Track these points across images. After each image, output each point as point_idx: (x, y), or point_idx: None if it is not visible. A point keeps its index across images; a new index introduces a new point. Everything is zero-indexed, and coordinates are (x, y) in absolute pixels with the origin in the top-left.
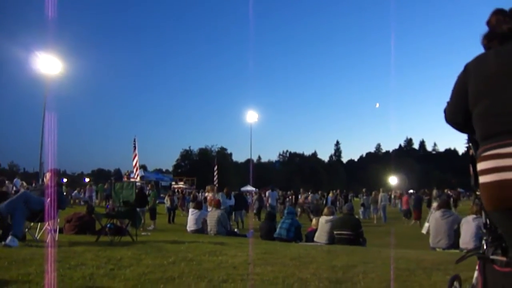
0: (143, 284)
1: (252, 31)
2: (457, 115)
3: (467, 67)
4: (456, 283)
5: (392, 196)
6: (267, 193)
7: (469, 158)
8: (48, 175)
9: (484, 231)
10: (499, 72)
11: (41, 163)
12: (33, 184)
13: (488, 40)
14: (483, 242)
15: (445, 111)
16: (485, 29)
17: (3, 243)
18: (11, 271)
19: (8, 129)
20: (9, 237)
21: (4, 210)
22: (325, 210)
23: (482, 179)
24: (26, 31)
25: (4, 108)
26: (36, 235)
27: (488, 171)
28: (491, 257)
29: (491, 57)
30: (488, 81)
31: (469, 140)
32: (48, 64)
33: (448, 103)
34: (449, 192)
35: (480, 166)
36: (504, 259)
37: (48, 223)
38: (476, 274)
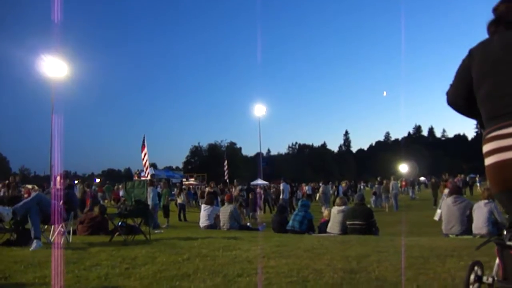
0: (158, 282)
1: (259, 23)
2: (458, 98)
3: (471, 52)
4: (477, 269)
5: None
6: (280, 186)
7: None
8: (58, 178)
9: (507, 216)
10: (503, 55)
11: (51, 166)
12: (45, 187)
13: (495, 26)
14: (502, 228)
15: (447, 93)
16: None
17: (30, 249)
18: (27, 274)
19: (18, 133)
20: (34, 242)
21: (20, 211)
22: (337, 200)
23: (486, 161)
24: (32, 34)
25: (14, 112)
26: (50, 238)
27: (490, 152)
28: (508, 243)
29: (495, 42)
30: (491, 64)
31: (480, 125)
32: (54, 66)
33: (450, 85)
34: (459, 178)
35: (484, 148)
36: None
37: (62, 225)
38: (498, 260)
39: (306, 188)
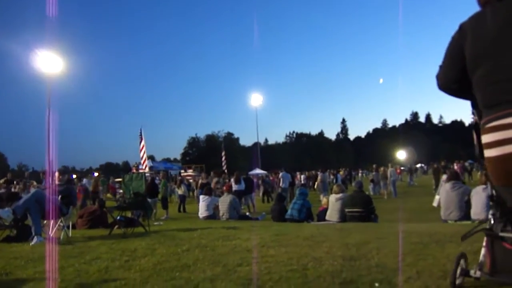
0: (158, 273)
1: (255, 13)
2: (450, 82)
3: (462, 27)
4: (462, 262)
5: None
6: (280, 175)
7: (474, 126)
8: (57, 174)
9: (491, 203)
10: (499, 31)
11: (49, 162)
12: (43, 183)
13: None
14: (490, 216)
15: (437, 77)
16: None
17: (30, 244)
18: (27, 269)
19: (15, 129)
20: (34, 238)
21: (19, 209)
22: (335, 187)
23: (487, 153)
24: (27, 29)
25: (10, 109)
26: (49, 233)
27: (492, 144)
28: (500, 234)
29: (490, 16)
30: (487, 42)
31: (473, 106)
32: (50, 61)
33: (440, 67)
34: (459, 165)
35: (484, 138)
36: None
37: (61, 220)
38: (483, 251)
39: (300, 177)
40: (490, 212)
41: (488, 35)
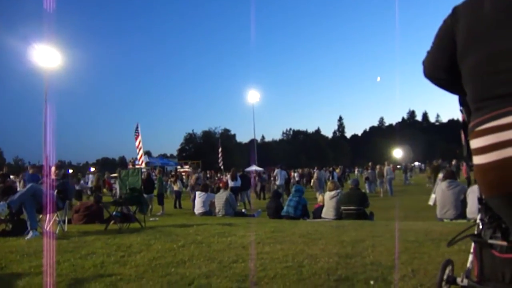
0: (154, 269)
1: (252, 10)
2: (437, 70)
3: (455, 10)
4: (448, 270)
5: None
6: (275, 172)
7: (461, 124)
8: (53, 168)
9: (480, 207)
10: (496, 14)
11: (46, 156)
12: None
13: None
14: (478, 221)
15: (423, 63)
16: None
17: (25, 238)
18: (23, 264)
19: (11, 124)
20: (30, 233)
21: (15, 203)
22: (329, 184)
23: (477, 159)
24: (25, 23)
25: (6, 103)
26: (45, 227)
27: (485, 149)
28: (489, 241)
29: None
30: (482, 24)
31: (461, 102)
32: (47, 56)
33: (428, 53)
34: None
35: (474, 143)
36: (504, 243)
37: (57, 215)
38: (471, 257)
39: (293, 175)
40: (478, 217)
41: (483, 17)
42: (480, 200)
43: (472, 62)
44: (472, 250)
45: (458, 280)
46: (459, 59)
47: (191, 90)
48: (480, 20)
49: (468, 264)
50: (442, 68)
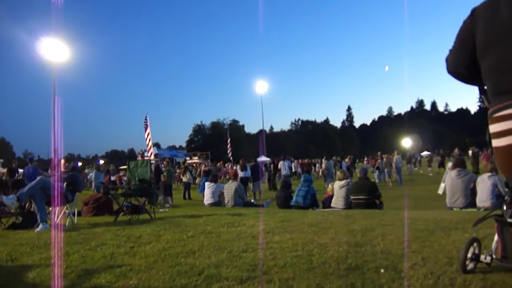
0: (163, 259)
1: (261, 0)
2: (460, 66)
3: (474, 12)
4: (475, 245)
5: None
6: (279, 163)
7: (486, 112)
8: (63, 161)
9: (506, 190)
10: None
11: (54, 149)
12: (49, 171)
13: None
14: (503, 202)
15: (447, 60)
16: None
17: (35, 231)
18: (33, 255)
19: (21, 117)
20: (40, 225)
21: (24, 196)
22: (338, 174)
23: (495, 142)
24: (33, 17)
25: (16, 96)
26: (55, 220)
27: (501, 134)
28: (509, 220)
29: (504, 1)
30: (499, 28)
31: (481, 92)
32: (56, 49)
33: (450, 51)
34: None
35: (492, 128)
36: None
37: (67, 207)
38: (496, 237)
39: (292, 165)
40: (506, 198)
41: (501, 18)
42: (506, 184)
43: (490, 60)
44: (496, 229)
45: (482, 257)
46: (479, 57)
47: (200, 81)
48: (495, 22)
49: (494, 243)
50: (463, 65)
